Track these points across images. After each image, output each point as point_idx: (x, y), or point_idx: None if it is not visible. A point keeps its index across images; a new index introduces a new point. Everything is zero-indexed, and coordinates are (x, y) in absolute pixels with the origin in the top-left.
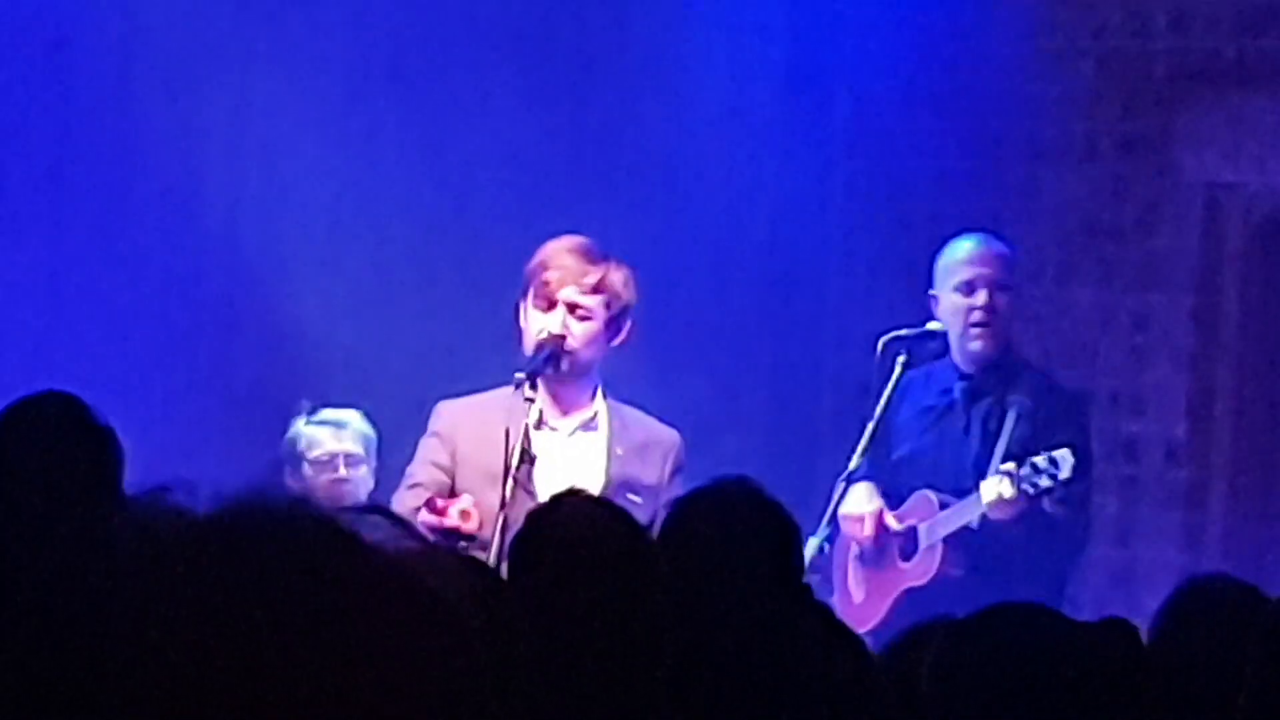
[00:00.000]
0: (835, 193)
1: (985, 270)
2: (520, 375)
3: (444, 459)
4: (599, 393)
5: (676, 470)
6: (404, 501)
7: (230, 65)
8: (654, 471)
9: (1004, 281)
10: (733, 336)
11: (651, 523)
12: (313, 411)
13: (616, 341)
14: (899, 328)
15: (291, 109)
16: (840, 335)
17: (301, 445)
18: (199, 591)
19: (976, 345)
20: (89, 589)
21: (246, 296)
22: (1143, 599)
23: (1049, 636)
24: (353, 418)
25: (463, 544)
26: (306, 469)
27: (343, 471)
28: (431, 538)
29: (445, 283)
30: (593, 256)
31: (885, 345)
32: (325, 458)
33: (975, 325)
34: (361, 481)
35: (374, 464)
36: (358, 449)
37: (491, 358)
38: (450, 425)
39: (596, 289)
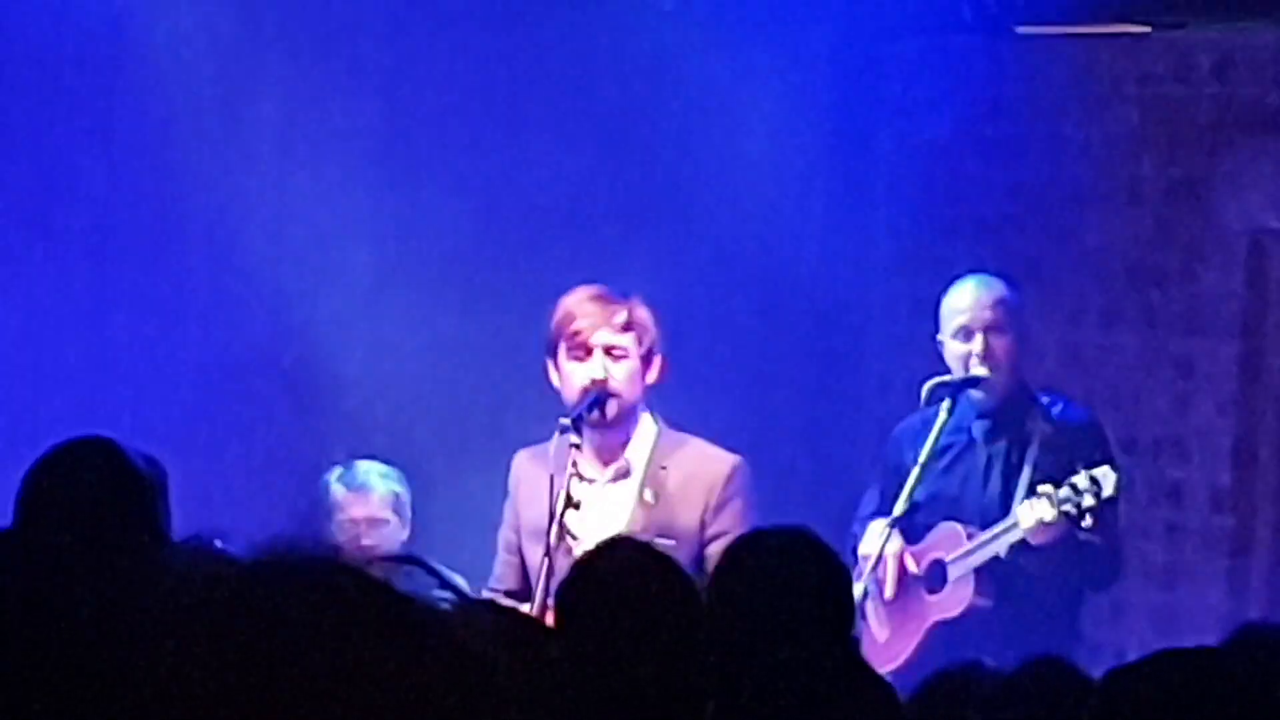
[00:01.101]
0: (878, 235)
1: (983, 315)
2: (565, 422)
3: (512, 518)
4: (645, 425)
5: (725, 501)
6: (495, 568)
7: (273, 110)
8: (693, 510)
9: (1001, 325)
10: (774, 379)
11: (695, 561)
12: (347, 466)
13: (650, 379)
14: (941, 372)
15: (334, 153)
16: (882, 379)
17: (329, 503)
18: (233, 639)
19: (977, 394)
20: (123, 634)
21: (290, 340)
22: (1187, 644)
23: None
24: (376, 481)
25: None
26: (333, 528)
27: (364, 540)
28: None
29: (489, 326)
30: (614, 297)
31: (930, 391)
32: (348, 523)
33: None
34: (387, 538)
35: (407, 514)
36: (381, 513)
37: (534, 404)
38: (515, 480)
39: (627, 327)
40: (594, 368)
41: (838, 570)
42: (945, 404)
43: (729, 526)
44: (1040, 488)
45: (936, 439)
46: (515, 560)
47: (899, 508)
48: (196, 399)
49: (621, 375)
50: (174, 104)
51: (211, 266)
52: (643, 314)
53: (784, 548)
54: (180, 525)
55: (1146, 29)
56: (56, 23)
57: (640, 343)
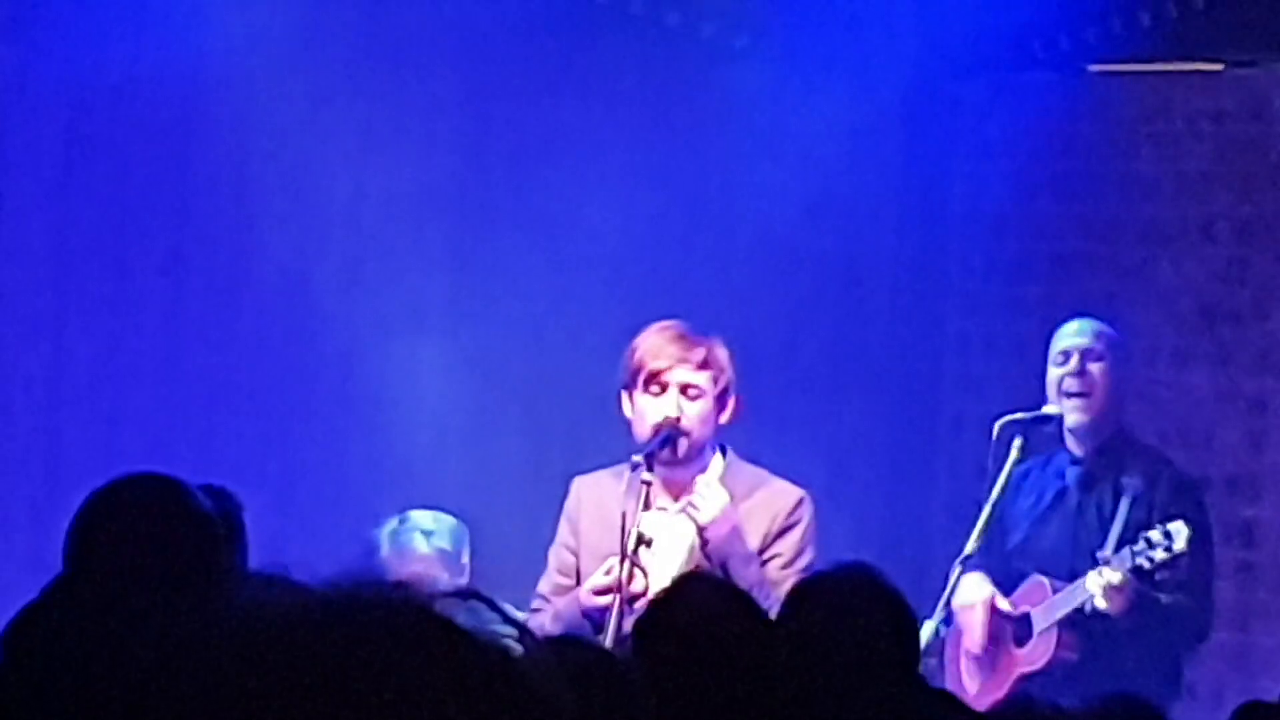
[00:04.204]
0: (951, 273)
1: (1079, 341)
2: (637, 459)
3: (570, 539)
4: (715, 462)
5: (786, 528)
6: (540, 585)
7: (346, 149)
8: (754, 535)
9: (1098, 352)
10: (846, 418)
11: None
12: (400, 520)
13: (724, 418)
14: (1015, 411)
15: (407, 193)
16: (955, 418)
17: (378, 559)
18: (295, 677)
19: (1074, 417)
20: (185, 676)
21: (361, 380)
22: (1261, 684)
23: None
24: (419, 542)
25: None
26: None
27: None
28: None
29: (564, 364)
30: (693, 335)
31: (1001, 429)
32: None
33: (1069, 395)
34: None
35: (460, 564)
36: (425, 570)
37: (605, 443)
38: (575, 504)
39: (704, 365)
40: (668, 405)
41: (901, 607)
42: (1017, 442)
43: (784, 550)
44: (1100, 553)
45: (1008, 478)
46: (570, 583)
47: (970, 546)
48: (269, 433)
49: (695, 414)
50: (248, 140)
51: (285, 302)
52: (720, 354)
53: (848, 586)
54: (251, 559)
55: (1219, 67)
56: (131, 59)
57: (716, 382)
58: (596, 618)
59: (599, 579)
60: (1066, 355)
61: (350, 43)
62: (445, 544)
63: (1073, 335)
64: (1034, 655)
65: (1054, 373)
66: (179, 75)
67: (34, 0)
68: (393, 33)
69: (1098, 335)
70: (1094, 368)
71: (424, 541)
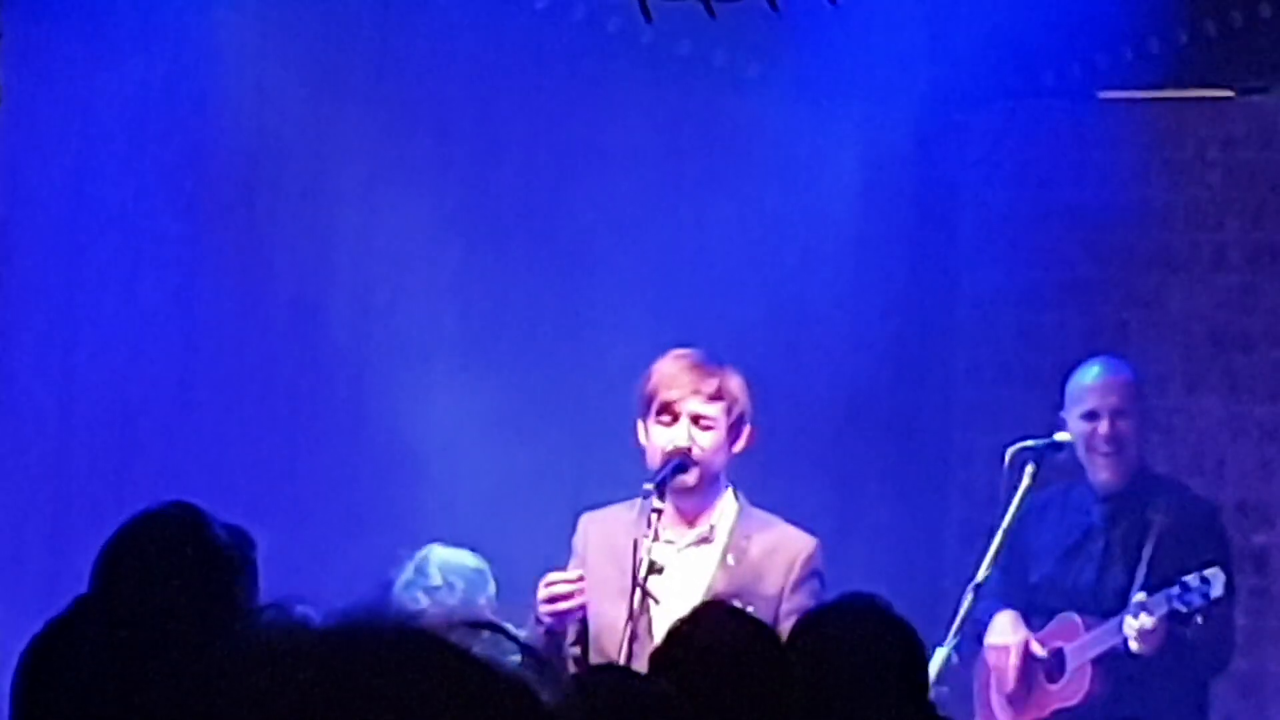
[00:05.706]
0: (962, 302)
1: (1109, 399)
2: (648, 486)
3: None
4: (728, 498)
5: (805, 578)
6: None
7: (358, 175)
8: (774, 581)
9: (1127, 409)
10: (859, 447)
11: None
12: (416, 567)
13: (738, 447)
14: (1026, 438)
15: (418, 220)
16: (966, 445)
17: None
18: (313, 710)
19: (1104, 475)
20: (201, 705)
21: (373, 409)
22: (1272, 711)
23: None
24: (421, 601)
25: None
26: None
27: None
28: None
29: (575, 399)
30: (708, 366)
31: (1013, 456)
32: None
33: (1100, 454)
34: None
35: (477, 605)
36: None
37: (618, 471)
38: (583, 539)
39: (717, 396)
40: (679, 434)
41: (909, 636)
42: (1030, 469)
43: (805, 604)
44: (1136, 598)
45: (1022, 506)
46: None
47: (981, 574)
48: (280, 462)
49: (706, 444)
50: (258, 167)
51: (296, 331)
52: (734, 383)
53: (856, 616)
54: (263, 592)
55: (1229, 94)
56: (141, 87)
57: (729, 413)
58: (549, 627)
59: (550, 589)
60: (1095, 415)
61: (362, 70)
62: (453, 601)
63: (1100, 394)
64: (1069, 692)
65: (1081, 426)
66: (189, 102)
67: (45, 28)
68: (404, 60)
69: (1124, 390)
70: (1123, 425)
71: (427, 601)
